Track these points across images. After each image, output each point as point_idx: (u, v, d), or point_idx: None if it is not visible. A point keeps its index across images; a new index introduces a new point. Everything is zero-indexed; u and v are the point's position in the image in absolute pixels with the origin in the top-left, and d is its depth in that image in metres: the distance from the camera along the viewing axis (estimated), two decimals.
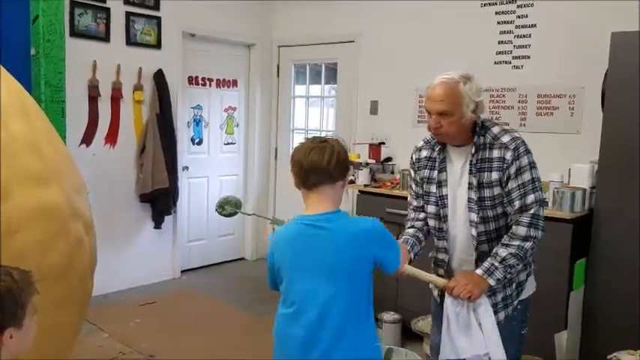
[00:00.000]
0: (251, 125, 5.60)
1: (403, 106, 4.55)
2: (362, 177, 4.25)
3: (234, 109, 5.50)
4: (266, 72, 5.58)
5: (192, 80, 5.11)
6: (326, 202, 1.76)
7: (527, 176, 2.01)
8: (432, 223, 2.22)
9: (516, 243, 2.00)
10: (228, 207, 2.36)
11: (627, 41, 2.93)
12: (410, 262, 2.12)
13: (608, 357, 2.44)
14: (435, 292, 2.27)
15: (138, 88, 4.56)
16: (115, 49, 4.42)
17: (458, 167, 2.12)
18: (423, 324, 3.37)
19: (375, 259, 1.75)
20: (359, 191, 4.19)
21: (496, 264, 2.00)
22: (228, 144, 5.49)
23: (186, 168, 5.08)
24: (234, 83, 5.46)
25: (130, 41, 4.51)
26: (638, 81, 2.91)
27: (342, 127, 5.02)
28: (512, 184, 2.02)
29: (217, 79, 5.31)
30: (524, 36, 3.89)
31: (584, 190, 3.23)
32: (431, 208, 2.20)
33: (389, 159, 4.54)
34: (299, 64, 5.55)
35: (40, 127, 2.19)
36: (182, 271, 5.14)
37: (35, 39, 3.68)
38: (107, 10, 4.34)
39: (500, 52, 4.01)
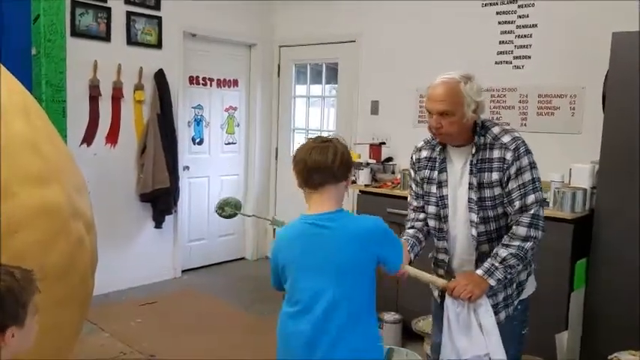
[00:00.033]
0: (252, 125, 5.60)
1: (404, 106, 4.55)
2: (363, 177, 4.25)
3: (235, 109, 5.50)
4: (267, 72, 5.58)
5: (193, 80, 5.11)
6: (329, 201, 1.77)
7: (527, 176, 2.01)
8: (432, 223, 2.22)
9: (516, 243, 2.00)
10: (228, 208, 2.36)
11: (628, 41, 2.93)
12: (410, 263, 2.12)
13: (609, 357, 2.44)
14: (436, 293, 2.27)
15: (139, 87, 4.56)
16: (116, 48, 4.42)
17: (458, 167, 2.12)
18: (423, 324, 3.37)
19: (378, 257, 1.76)
20: (360, 191, 4.19)
21: (496, 264, 2.00)
22: (228, 144, 5.49)
23: (187, 168, 5.09)
24: (235, 83, 5.46)
25: (131, 41, 4.51)
26: (638, 81, 2.90)
27: (343, 127, 5.02)
28: (512, 185, 2.02)
29: (218, 79, 5.31)
30: (525, 36, 3.89)
31: (585, 191, 3.22)
32: (431, 209, 2.20)
33: (389, 159, 4.54)
34: (300, 64, 5.55)
35: (40, 127, 2.19)
36: (183, 271, 5.14)
37: (36, 39, 3.68)
38: (108, 10, 4.34)
39: (501, 52, 4.00)
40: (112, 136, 4.48)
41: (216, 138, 5.37)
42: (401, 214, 3.20)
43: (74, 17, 4.15)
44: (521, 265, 2.04)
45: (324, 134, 5.21)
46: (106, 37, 4.36)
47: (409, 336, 3.60)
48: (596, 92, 3.28)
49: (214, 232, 5.40)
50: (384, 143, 4.56)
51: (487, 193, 2.05)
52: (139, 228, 4.74)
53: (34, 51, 3.73)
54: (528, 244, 2.00)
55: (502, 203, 2.05)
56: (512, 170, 2.01)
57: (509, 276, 2.03)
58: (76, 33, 4.16)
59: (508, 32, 3.96)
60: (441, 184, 2.15)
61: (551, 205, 3.21)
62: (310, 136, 5.28)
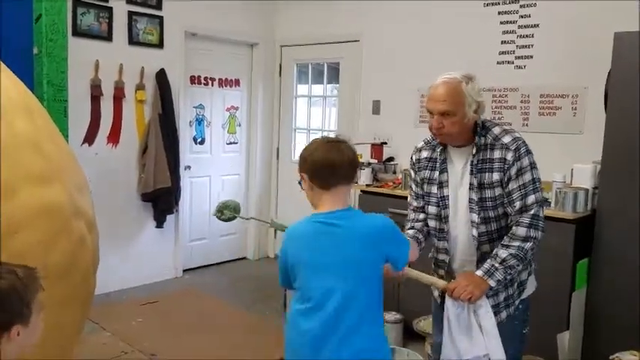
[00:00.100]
0: (253, 125, 5.61)
1: (405, 106, 4.55)
2: (364, 177, 4.25)
3: (237, 108, 5.51)
4: (268, 71, 5.58)
5: (194, 80, 5.12)
6: (340, 201, 1.78)
7: (527, 177, 2.01)
8: (432, 223, 2.21)
9: (516, 244, 2.00)
10: (227, 211, 2.36)
11: (630, 41, 2.92)
12: (409, 264, 2.12)
13: (611, 357, 2.44)
14: (436, 293, 2.27)
15: (140, 87, 4.57)
16: (118, 48, 4.43)
17: (459, 168, 2.12)
18: (424, 324, 3.37)
19: (387, 256, 1.76)
20: (361, 191, 4.19)
21: (496, 265, 2.00)
22: (230, 143, 5.50)
23: (189, 167, 5.09)
24: (237, 83, 5.47)
25: (133, 41, 4.52)
26: None
27: (345, 127, 5.02)
28: (513, 185, 2.02)
29: (219, 79, 5.32)
30: (526, 36, 3.89)
31: (587, 191, 3.22)
32: (432, 209, 2.20)
33: (391, 159, 4.53)
34: (301, 64, 5.55)
35: (42, 126, 2.19)
36: (184, 271, 5.14)
37: (38, 38, 3.68)
38: (109, 10, 4.35)
39: (502, 52, 4.00)
40: (114, 136, 4.49)
41: (217, 138, 5.37)
42: (402, 214, 3.18)
43: (76, 17, 4.15)
44: (521, 265, 2.04)
45: (325, 134, 5.21)
46: (108, 37, 4.37)
47: (410, 336, 3.60)
48: (598, 92, 3.28)
49: (216, 231, 5.40)
50: (385, 143, 4.56)
51: (488, 193, 2.05)
52: (140, 228, 4.75)
53: (35, 50, 3.73)
54: (528, 245, 2.00)
55: (503, 204, 2.05)
56: (513, 171, 2.01)
57: (509, 277, 2.03)
58: (77, 33, 4.17)
59: (510, 32, 3.96)
60: (441, 185, 2.15)
61: (552, 205, 3.21)
62: (311, 135, 5.31)
